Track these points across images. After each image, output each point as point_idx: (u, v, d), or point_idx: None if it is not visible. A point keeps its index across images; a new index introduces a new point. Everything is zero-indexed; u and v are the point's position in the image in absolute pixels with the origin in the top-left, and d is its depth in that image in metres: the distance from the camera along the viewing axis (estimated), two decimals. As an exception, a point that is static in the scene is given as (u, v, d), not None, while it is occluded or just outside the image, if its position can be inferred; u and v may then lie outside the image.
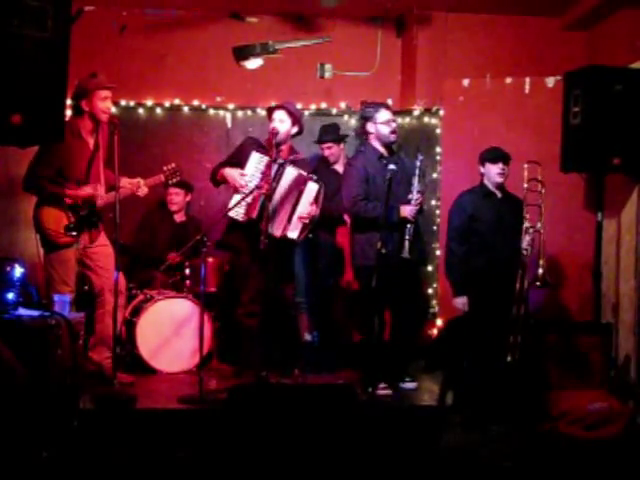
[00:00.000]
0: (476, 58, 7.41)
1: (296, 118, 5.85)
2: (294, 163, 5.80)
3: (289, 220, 5.72)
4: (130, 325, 6.23)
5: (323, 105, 7.72)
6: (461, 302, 5.70)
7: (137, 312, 6.24)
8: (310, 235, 6.04)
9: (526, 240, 5.55)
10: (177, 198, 7.00)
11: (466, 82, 7.03)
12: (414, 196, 5.65)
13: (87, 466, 4.37)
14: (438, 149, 7.36)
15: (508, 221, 5.70)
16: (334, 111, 7.73)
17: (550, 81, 6.78)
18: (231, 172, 5.71)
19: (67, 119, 5.22)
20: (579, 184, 6.38)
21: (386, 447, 4.65)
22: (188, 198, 7.06)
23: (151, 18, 7.52)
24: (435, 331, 7.05)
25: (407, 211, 5.61)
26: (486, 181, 5.80)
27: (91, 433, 4.60)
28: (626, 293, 6.03)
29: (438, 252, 7.11)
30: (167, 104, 7.57)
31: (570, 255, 6.52)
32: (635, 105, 5.66)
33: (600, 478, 4.56)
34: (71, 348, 4.67)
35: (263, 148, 5.78)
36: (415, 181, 5.67)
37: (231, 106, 7.61)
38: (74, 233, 5.46)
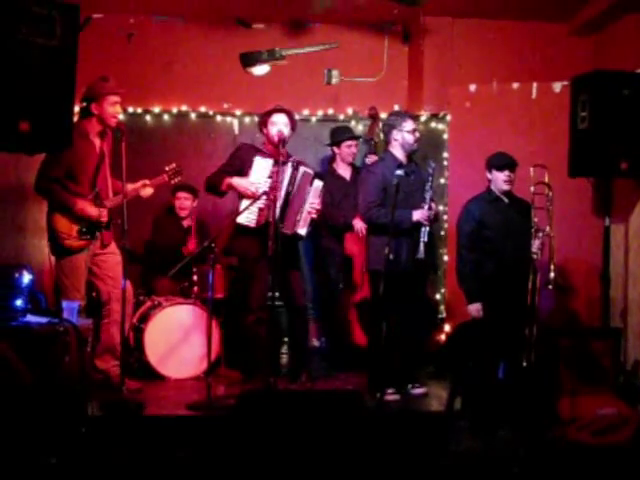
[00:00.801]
0: (483, 64, 7.41)
1: (294, 123, 5.93)
2: (300, 163, 5.84)
3: (299, 218, 5.77)
4: (138, 331, 6.24)
5: (330, 111, 7.73)
6: (475, 309, 5.70)
7: (145, 319, 6.24)
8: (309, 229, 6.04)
9: (536, 244, 5.57)
10: (186, 203, 7.01)
11: (473, 87, 7.03)
12: (427, 201, 5.67)
13: (95, 472, 4.37)
14: (445, 154, 7.37)
15: (517, 226, 5.71)
16: (341, 117, 7.74)
17: (557, 86, 6.78)
18: (241, 181, 5.69)
19: (75, 120, 5.24)
20: (587, 189, 6.37)
21: (394, 453, 4.64)
22: (195, 203, 7.07)
23: (158, 25, 7.54)
24: (443, 337, 7.04)
25: (418, 215, 5.63)
26: (493, 187, 5.81)
27: (99, 439, 4.60)
28: (634, 298, 6.02)
29: (446, 257, 7.11)
30: (174, 111, 7.59)
31: (578, 260, 6.51)
32: (642, 109, 5.66)
33: (609, 484, 4.55)
34: (79, 355, 4.68)
35: (263, 153, 5.79)
36: (428, 187, 5.69)
37: (238, 112, 7.62)
38: (88, 236, 5.48)
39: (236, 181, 5.71)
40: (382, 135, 6.86)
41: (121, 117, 5.90)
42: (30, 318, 4.72)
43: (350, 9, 7.16)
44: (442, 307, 7.29)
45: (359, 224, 6.40)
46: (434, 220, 5.79)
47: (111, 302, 5.58)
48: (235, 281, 6.46)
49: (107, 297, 5.60)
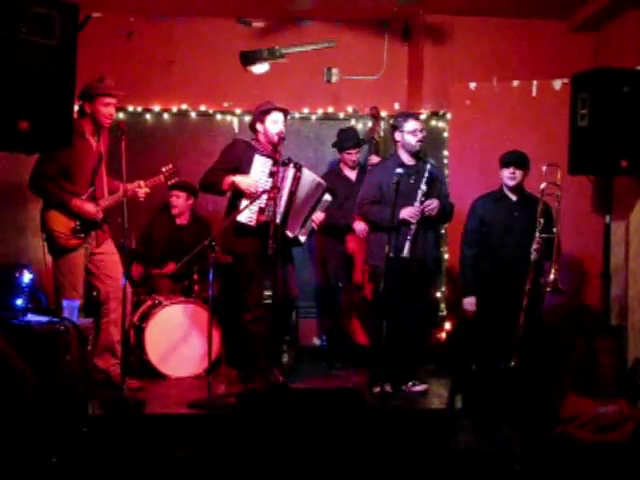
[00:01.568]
0: (483, 61, 7.40)
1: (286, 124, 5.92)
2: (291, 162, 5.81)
3: (303, 225, 5.78)
4: (139, 330, 6.24)
5: (330, 109, 7.73)
6: (468, 302, 5.85)
7: (145, 317, 6.24)
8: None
9: (535, 245, 5.56)
10: (177, 201, 6.97)
11: (473, 85, 7.03)
12: (417, 198, 5.66)
13: (96, 472, 4.38)
14: (445, 152, 7.37)
15: (521, 224, 5.73)
16: (341, 115, 7.74)
17: (557, 84, 6.77)
18: (245, 179, 5.65)
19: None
20: (587, 187, 6.36)
21: (395, 451, 4.65)
22: (190, 202, 7.03)
23: (158, 24, 7.54)
24: (444, 334, 7.04)
25: (405, 213, 5.61)
26: (503, 185, 5.84)
27: (100, 438, 4.60)
28: (635, 296, 6.02)
29: (446, 255, 7.10)
30: (174, 109, 7.59)
31: (579, 258, 6.51)
32: (643, 107, 5.65)
33: (610, 482, 4.55)
34: (80, 353, 4.68)
35: (261, 150, 5.77)
36: (423, 183, 5.68)
37: (238, 111, 7.62)
38: (82, 235, 5.47)
39: (239, 179, 5.66)
40: (382, 134, 6.90)
41: (121, 116, 5.91)
42: (31, 317, 4.73)
43: (350, 7, 7.15)
44: (443, 305, 7.29)
45: (360, 226, 6.41)
46: (439, 216, 5.75)
47: (109, 301, 5.58)
48: (228, 279, 6.41)
49: (105, 296, 5.59)
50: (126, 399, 5.22)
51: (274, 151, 5.70)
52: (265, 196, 5.58)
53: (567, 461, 4.71)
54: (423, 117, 7.50)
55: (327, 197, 5.89)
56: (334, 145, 7.02)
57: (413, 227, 5.61)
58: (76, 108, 5.36)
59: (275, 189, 5.53)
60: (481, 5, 7.22)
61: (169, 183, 5.94)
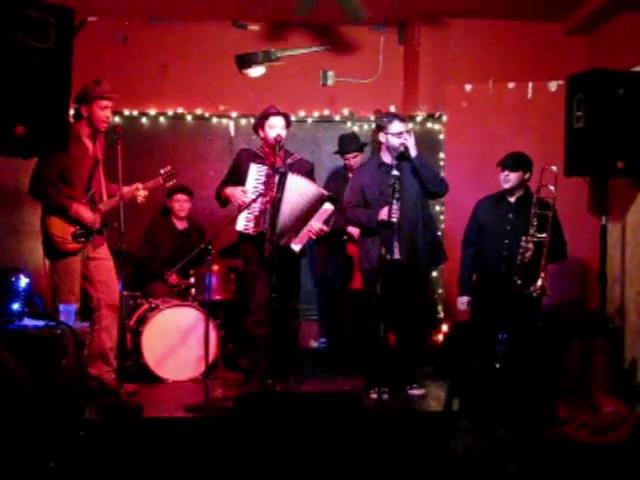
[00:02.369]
0: (478, 63, 7.42)
1: (290, 123, 5.91)
2: (293, 166, 5.78)
3: (297, 232, 5.74)
4: (135, 334, 6.23)
5: (326, 112, 7.74)
6: (460, 302, 5.89)
7: (142, 321, 6.24)
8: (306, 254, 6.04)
9: (525, 245, 5.54)
10: (186, 204, 7.01)
11: (469, 87, 7.05)
12: (397, 197, 5.57)
13: (94, 475, 4.37)
14: (441, 155, 7.37)
15: (515, 227, 5.71)
16: (337, 118, 7.75)
17: (553, 85, 6.79)
18: (232, 190, 5.70)
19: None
20: (583, 188, 6.37)
21: (393, 453, 4.65)
22: (191, 204, 7.08)
23: (153, 28, 7.54)
24: (441, 337, 7.04)
25: (382, 213, 5.53)
26: None
27: (98, 443, 4.60)
28: (631, 297, 6.03)
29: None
30: (170, 113, 7.59)
31: (575, 259, 6.51)
32: (638, 108, 5.66)
33: (608, 483, 4.55)
34: (76, 358, 4.68)
35: (260, 158, 5.78)
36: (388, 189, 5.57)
37: (234, 114, 7.62)
38: (82, 239, 5.47)
39: (229, 190, 5.73)
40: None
41: (117, 119, 5.91)
42: (27, 322, 4.72)
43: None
44: (439, 307, 7.29)
45: (355, 229, 6.41)
46: (425, 187, 5.68)
47: (101, 308, 5.55)
48: (241, 284, 6.45)
49: (97, 303, 5.57)
50: (123, 403, 5.21)
51: (274, 157, 5.67)
52: (259, 203, 5.59)
53: (565, 462, 4.71)
54: (419, 119, 7.52)
55: (327, 206, 5.78)
56: (336, 152, 7.00)
57: (396, 228, 5.52)
58: (72, 112, 5.36)
59: (265, 195, 5.55)
60: (476, 7, 7.23)
61: (168, 185, 5.93)
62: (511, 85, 6.94)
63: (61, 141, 4.73)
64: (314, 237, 5.81)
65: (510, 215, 5.79)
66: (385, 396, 5.52)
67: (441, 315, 7.25)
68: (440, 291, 7.30)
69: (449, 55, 7.47)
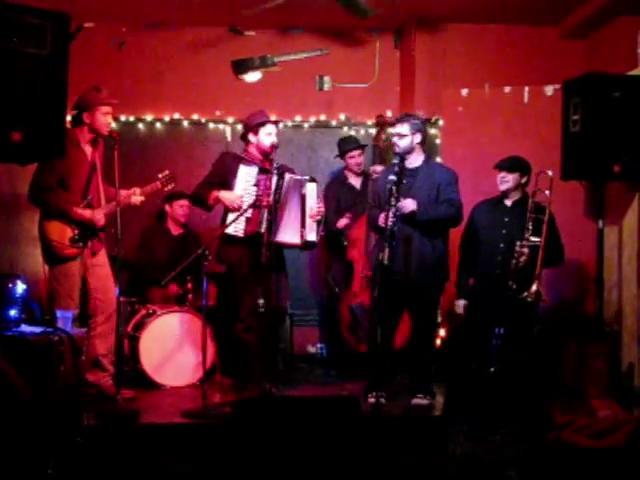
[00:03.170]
0: (475, 68, 7.42)
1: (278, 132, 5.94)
2: (281, 168, 5.80)
3: (303, 225, 5.76)
4: (133, 340, 6.23)
5: (322, 117, 7.75)
6: (459, 305, 5.91)
7: (140, 327, 6.23)
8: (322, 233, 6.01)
9: (520, 249, 5.53)
10: (185, 210, 7.01)
11: (465, 92, 7.05)
12: (392, 203, 5.58)
13: (91, 482, 4.37)
14: (438, 159, 7.37)
15: (510, 230, 5.70)
16: (333, 123, 7.75)
17: (549, 89, 6.80)
18: (228, 195, 5.69)
19: (66, 129, 5.23)
20: (580, 192, 6.37)
21: (391, 458, 4.64)
22: (190, 210, 7.09)
23: (150, 33, 7.55)
24: (438, 341, 7.03)
25: (379, 219, 5.55)
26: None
27: (95, 449, 4.59)
28: (628, 300, 6.02)
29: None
30: (167, 119, 7.60)
31: (572, 263, 6.51)
32: (634, 112, 5.67)
33: (605, 487, 4.56)
34: (74, 364, 4.67)
35: (246, 161, 5.79)
36: (393, 187, 5.56)
37: (230, 120, 7.63)
38: (80, 244, 5.47)
39: (223, 195, 5.71)
40: (387, 142, 6.88)
41: (113, 125, 5.90)
42: (24, 328, 4.71)
43: (341, 14, 7.15)
44: (437, 311, 7.27)
45: (342, 221, 6.51)
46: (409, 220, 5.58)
47: (97, 315, 5.55)
48: (223, 289, 6.42)
49: (93, 309, 5.57)
50: (120, 409, 5.20)
51: (264, 160, 5.76)
52: (251, 209, 5.60)
53: (563, 466, 4.71)
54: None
55: (311, 186, 5.81)
56: (337, 155, 7.01)
57: (388, 234, 5.45)
58: (68, 118, 5.36)
59: (262, 198, 5.56)
60: (473, 12, 7.24)
61: (166, 189, 5.92)
62: (507, 89, 6.94)
63: (58, 147, 4.74)
64: (320, 219, 5.81)
65: (506, 219, 5.78)
66: (382, 400, 5.49)
67: (439, 319, 7.23)
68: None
69: (445, 59, 7.46)
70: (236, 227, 5.65)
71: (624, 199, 6.08)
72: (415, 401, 5.69)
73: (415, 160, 5.69)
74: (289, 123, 7.64)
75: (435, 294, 5.79)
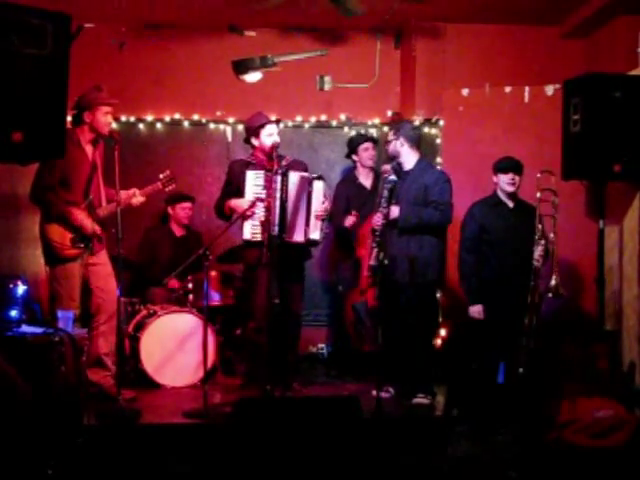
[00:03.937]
0: (475, 68, 7.42)
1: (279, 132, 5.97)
2: (289, 167, 5.85)
3: (307, 223, 5.79)
4: (134, 340, 6.23)
5: (323, 117, 7.75)
6: (477, 311, 5.77)
7: (140, 327, 6.24)
8: (327, 231, 6.08)
9: (538, 250, 5.57)
10: (188, 212, 7.03)
11: (465, 92, 7.05)
12: (382, 206, 5.69)
13: (92, 483, 4.37)
14: (439, 159, 7.37)
15: (520, 231, 5.72)
16: (334, 123, 7.75)
17: (549, 89, 6.79)
18: (237, 202, 5.77)
19: (67, 129, 5.23)
20: (580, 192, 6.37)
21: (392, 458, 4.64)
22: (192, 211, 7.11)
23: (150, 34, 7.55)
24: (439, 341, 7.02)
25: (372, 220, 5.67)
26: (499, 191, 5.85)
27: (96, 449, 4.59)
28: (629, 300, 6.01)
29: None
30: (167, 119, 7.60)
31: (573, 263, 6.52)
32: (635, 112, 5.65)
33: (607, 487, 4.55)
34: (75, 364, 4.67)
35: (253, 165, 5.84)
36: (384, 191, 5.72)
37: (231, 120, 7.63)
38: (81, 245, 5.47)
39: (233, 203, 5.81)
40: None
41: (114, 126, 5.91)
42: (25, 328, 4.71)
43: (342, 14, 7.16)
44: (436, 311, 7.26)
45: (349, 220, 6.46)
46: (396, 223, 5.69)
47: (99, 314, 5.56)
48: (241, 290, 6.44)
49: (96, 309, 5.58)
50: (121, 409, 5.20)
51: (269, 161, 5.77)
52: (262, 210, 5.63)
53: (564, 466, 4.71)
54: (416, 123, 7.50)
55: (318, 185, 5.85)
56: (347, 154, 7.00)
57: (377, 234, 5.60)
58: (69, 118, 5.36)
59: (268, 199, 5.58)
60: (472, 12, 7.24)
61: (167, 189, 5.92)
62: (508, 89, 6.94)
63: (58, 147, 4.73)
64: (324, 217, 5.87)
65: (512, 219, 5.81)
66: (386, 395, 5.63)
67: (439, 319, 7.22)
68: (438, 295, 7.27)
69: (445, 59, 7.47)
70: (253, 232, 5.71)
71: (625, 199, 6.08)
72: (416, 400, 5.71)
73: (407, 163, 5.83)
74: (289, 123, 7.64)
75: (426, 294, 5.85)
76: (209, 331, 5.77)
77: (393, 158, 5.84)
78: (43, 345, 4.52)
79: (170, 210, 7.05)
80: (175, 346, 6.21)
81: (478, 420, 5.23)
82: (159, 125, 7.61)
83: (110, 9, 6.97)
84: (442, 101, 7.23)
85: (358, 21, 7.35)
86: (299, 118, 7.70)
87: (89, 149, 5.55)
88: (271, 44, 7.49)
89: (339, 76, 7.54)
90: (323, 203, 5.85)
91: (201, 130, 7.67)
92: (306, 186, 5.82)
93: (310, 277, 7.31)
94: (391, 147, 5.84)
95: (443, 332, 6.97)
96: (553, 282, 5.46)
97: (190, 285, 6.51)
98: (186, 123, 7.64)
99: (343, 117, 7.75)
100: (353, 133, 7.60)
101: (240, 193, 5.79)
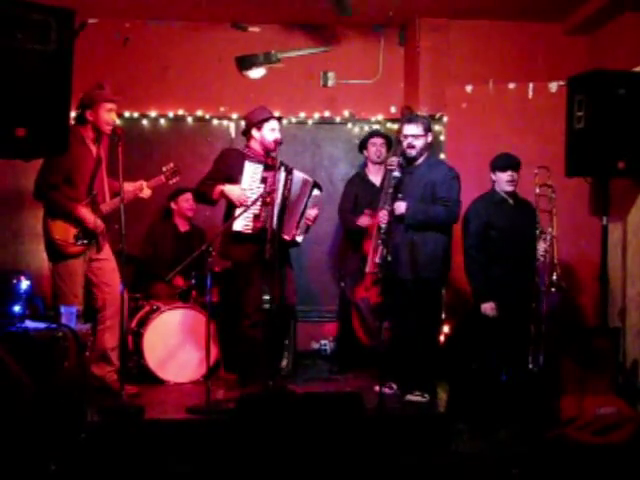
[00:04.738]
0: (479, 64, 7.41)
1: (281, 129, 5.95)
2: (287, 166, 5.83)
3: (298, 225, 5.81)
4: (137, 336, 6.24)
5: (326, 114, 7.74)
6: (489, 307, 5.72)
7: (144, 323, 6.24)
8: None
9: (542, 247, 5.59)
10: (192, 204, 6.99)
11: (469, 88, 7.04)
12: (387, 203, 5.68)
13: (95, 478, 4.37)
14: (442, 155, 7.36)
15: (522, 228, 5.73)
16: (337, 119, 7.75)
17: (553, 86, 6.78)
18: (233, 189, 5.68)
19: (72, 126, 5.23)
20: (584, 188, 6.36)
21: (394, 454, 4.65)
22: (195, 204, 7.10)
23: (154, 29, 7.55)
24: (442, 338, 7.02)
25: (378, 217, 5.66)
26: (497, 188, 5.83)
27: (99, 445, 4.60)
28: (632, 297, 6.01)
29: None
30: (171, 115, 7.60)
31: (576, 260, 6.51)
32: (639, 108, 5.65)
33: (609, 484, 4.55)
34: (78, 360, 4.67)
35: (250, 157, 5.79)
36: (389, 189, 5.69)
37: (235, 116, 7.62)
38: (85, 241, 5.47)
39: (228, 189, 5.70)
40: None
41: (118, 122, 5.90)
42: (28, 324, 4.71)
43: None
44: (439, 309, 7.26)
45: (364, 220, 6.41)
46: (402, 220, 5.65)
47: (105, 309, 5.57)
48: (227, 285, 6.42)
49: (102, 304, 5.59)
50: (124, 405, 5.21)
51: (266, 156, 5.78)
52: (259, 203, 5.60)
53: (566, 463, 4.71)
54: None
55: (316, 192, 5.90)
56: (359, 148, 6.99)
57: (383, 232, 5.56)
58: (73, 115, 5.36)
59: (268, 195, 5.56)
60: (476, 8, 7.23)
61: (171, 182, 5.90)
62: (512, 86, 6.93)
63: (62, 143, 4.73)
64: (312, 224, 5.93)
65: (515, 216, 5.82)
66: (389, 391, 5.67)
67: (442, 316, 7.22)
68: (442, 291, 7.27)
69: (449, 56, 7.46)
70: (246, 224, 5.65)
71: (629, 196, 6.07)
72: (409, 397, 5.69)
73: (421, 158, 5.79)
74: (293, 119, 7.64)
75: (430, 291, 5.79)
76: (212, 327, 5.77)
77: (418, 155, 5.73)
78: (46, 340, 4.52)
79: (173, 205, 7.04)
80: (178, 342, 6.21)
81: (481, 417, 5.24)
82: (163, 121, 7.61)
83: (113, 4, 6.98)
84: (446, 98, 7.22)
85: (362, 17, 7.36)
86: (303, 114, 7.70)
87: (93, 147, 5.55)
88: (275, 40, 7.49)
89: (343, 72, 7.54)
90: (315, 211, 5.90)
91: (205, 126, 7.67)
92: (306, 189, 5.83)
93: (313, 273, 7.33)
94: (422, 143, 5.72)
95: (446, 329, 6.98)
96: (555, 277, 5.47)
97: (193, 281, 6.50)
98: (190, 119, 7.64)
99: (347, 113, 7.74)
100: (357, 129, 7.60)
101: (231, 182, 5.70)
